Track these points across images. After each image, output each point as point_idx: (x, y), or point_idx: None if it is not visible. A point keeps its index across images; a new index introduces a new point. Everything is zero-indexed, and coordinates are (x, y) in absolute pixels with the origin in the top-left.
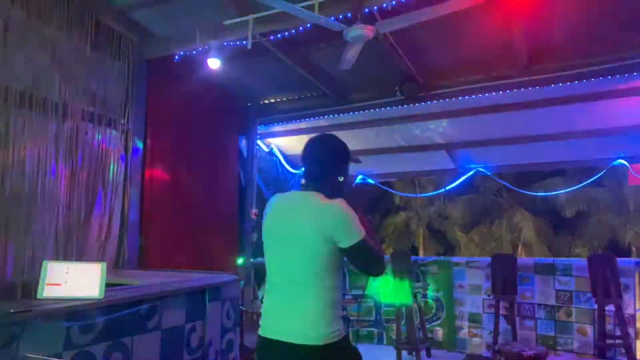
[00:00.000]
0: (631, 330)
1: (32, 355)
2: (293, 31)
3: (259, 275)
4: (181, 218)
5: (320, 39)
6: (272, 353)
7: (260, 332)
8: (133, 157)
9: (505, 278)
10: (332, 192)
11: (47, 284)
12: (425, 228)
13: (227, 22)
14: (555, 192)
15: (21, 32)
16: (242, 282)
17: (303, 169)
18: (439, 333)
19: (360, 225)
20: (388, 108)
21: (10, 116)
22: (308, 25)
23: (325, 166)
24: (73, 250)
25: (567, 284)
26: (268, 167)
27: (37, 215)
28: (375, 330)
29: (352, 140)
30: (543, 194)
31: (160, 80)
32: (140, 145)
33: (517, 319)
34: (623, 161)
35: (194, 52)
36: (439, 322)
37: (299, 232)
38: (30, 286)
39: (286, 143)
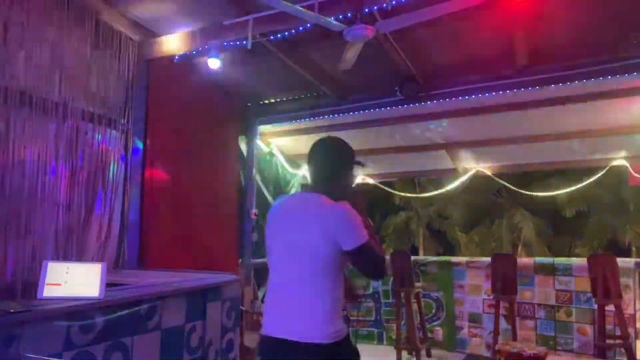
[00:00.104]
0: (631, 330)
1: (32, 355)
2: (293, 31)
3: (259, 275)
4: (181, 218)
5: (320, 39)
6: (275, 351)
7: (263, 330)
8: (133, 157)
9: (505, 278)
10: (336, 194)
11: (47, 284)
12: (425, 228)
13: (227, 22)
14: (555, 192)
15: (21, 32)
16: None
17: (309, 170)
18: (439, 333)
19: (364, 229)
20: (388, 108)
21: (10, 116)
22: (308, 25)
23: (331, 168)
24: (73, 250)
25: (567, 284)
26: (268, 167)
27: (37, 215)
28: (375, 330)
29: (352, 140)
30: (543, 194)
31: (160, 80)
32: (140, 145)
33: (517, 319)
34: (623, 161)
35: (194, 52)
36: (439, 322)
37: (303, 233)
38: (30, 286)
39: (286, 143)
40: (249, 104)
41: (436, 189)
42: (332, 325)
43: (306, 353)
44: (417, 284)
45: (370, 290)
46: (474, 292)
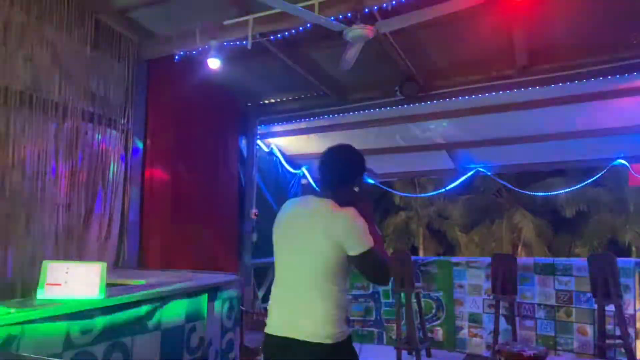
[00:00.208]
0: (631, 330)
1: (32, 355)
2: (293, 31)
3: (259, 275)
4: (181, 218)
5: (320, 39)
6: (280, 350)
7: (268, 329)
8: (133, 157)
9: (505, 278)
10: (345, 201)
11: (47, 284)
12: (425, 228)
13: (227, 22)
14: (555, 192)
15: (21, 32)
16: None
17: (319, 175)
18: (439, 333)
19: (369, 235)
20: (388, 108)
21: (10, 116)
22: (308, 25)
23: (341, 175)
24: (73, 250)
25: (567, 284)
26: (268, 167)
27: (37, 215)
28: (375, 330)
29: (352, 140)
30: (543, 194)
31: (160, 80)
32: (140, 145)
33: (517, 319)
34: (623, 161)
35: (194, 52)
36: (439, 322)
37: (310, 237)
38: (30, 286)
39: (286, 143)
40: (249, 104)
41: (436, 189)
42: (337, 326)
43: (310, 352)
44: (417, 284)
45: (370, 290)
46: (474, 292)
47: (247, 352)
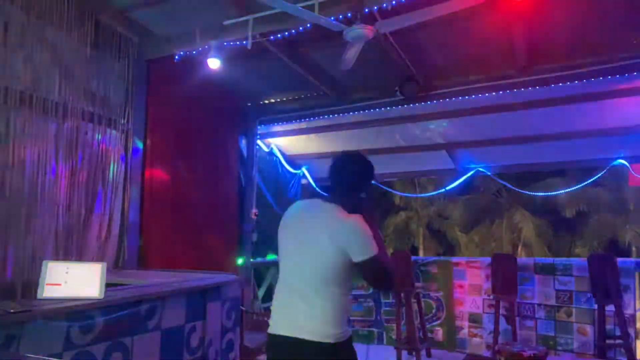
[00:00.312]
0: (631, 330)
1: (32, 355)
2: (293, 31)
3: (259, 275)
4: (181, 218)
5: (320, 39)
6: (284, 349)
7: (271, 329)
8: (133, 157)
9: (505, 278)
10: (352, 207)
11: (47, 284)
12: (425, 228)
13: (227, 22)
14: (555, 192)
15: (21, 32)
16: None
17: (329, 180)
18: (439, 333)
19: (374, 242)
20: (388, 108)
21: (10, 116)
22: (308, 25)
23: (350, 182)
24: (73, 250)
25: (567, 284)
26: (268, 167)
27: (37, 215)
28: (375, 330)
29: (352, 140)
30: (543, 194)
31: (160, 80)
32: (140, 145)
33: (517, 319)
34: (623, 161)
35: (194, 52)
36: (439, 322)
37: (316, 241)
38: (30, 286)
39: (286, 143)
40: (249, 104)
41: (436, 189)
42: (339, 326)
43: (313, 351)
44: (417, 284)
45: (370, 290)
46: (474, 292)
47: (247, 352)
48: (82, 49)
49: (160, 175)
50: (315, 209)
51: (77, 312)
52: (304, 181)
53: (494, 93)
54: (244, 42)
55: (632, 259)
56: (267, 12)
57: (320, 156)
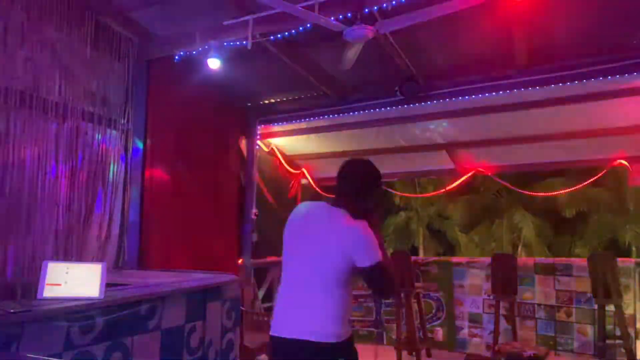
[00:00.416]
0: (631, 331)
1: (32, 355)
2: (293, 31)
3: (259, 275)
4: (181, 218)
5: (320, 39)
6: (287, 351)
7: (273, 331)
8: (133, 157)
9: (505, 278)
10: (358, 213)
11: (47, 284)
12: (425, 228)
13: (227, 22)
14: (555, 192)
15: (21, 32)
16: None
17: (336, 184)
18: (439, 333)
19: (379, 249)
20: (388, 108)
21: (10, 116)
22: (308, 25)
23: (358, 189)
24: (73, 250)
25: (567, 284)
26: (268, 167)
27: (37, 215)
28: (375, 330)
29: (352, 140)
30: (543, 194)
31: (160, 80)
32: (140, 145)
33: (517, 319)
34: (623, 161)
35: (194, 52)
36: (439, 322)
37: (322, 245)
38: (30, 286)
39: (286, 143)
40: (249, 104)
41: (436, 189)
42: (341, 326)
43: (317, 351)
44: (417, 284)
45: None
46: (474, 292)
47: (247, 352)
48: (82, 49)
49: (160, 175)
50: (322, 212)
51: (77, 312)
52: (304, 181)
53: (494, 93)
54: (244, 42)
55: (632, 259)
56: (267, 12)
57: (320, 156)
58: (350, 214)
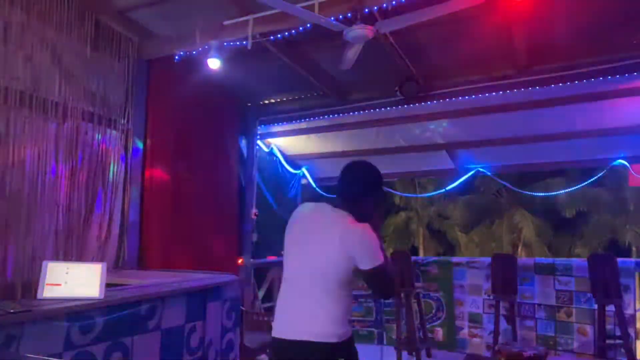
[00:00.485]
0: (631, 331)
1: (32, 355)
2: (293, 31)
3: (259, 275)
4: (181, 218)
5: (320, 39)
6: (289, 352)
7: (275, 333)
8: (133, 157)
9: (505, 278)
10: (361, 215)
11: (47, 284)
12: (425, 228)
13: (227, 22)
14: (555, 192)
15: (21, 32)
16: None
17: (338, 187)
18: (439, 333)
19: (380, 251)
20: (388, 108)
21: (10, 116)
22: (308, 25)
23: (360, 191)
24: (73, 250)
25: (567, 284)
26: (268, 167)
27: (37, 215)
28: (375, 330)
29: (352, 140)
30: (543, 194)
31: (160, 80)
32: (140, 145)
33: (517, 319)
34: (623, 161)
35: (194, 52)
36: (439, 322)
37: (325, 246)
38: (30, 286)
39: (286, 143)
40: (249, 104)
41: (436, 189)
42: (342, 326)
43: (319, 352)
44: (417, 284)
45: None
46: (474, 292)
47: (247, 352)
48: (82, 49)
49: (160, 175)
50: (324, 214)
51: (77, 312)
52: (304, 181)
53: (494, 93)
54: (244, 42)
55: (632, 259)
56: (267, 12)
57: (320, 156)
58: (353, 216)
